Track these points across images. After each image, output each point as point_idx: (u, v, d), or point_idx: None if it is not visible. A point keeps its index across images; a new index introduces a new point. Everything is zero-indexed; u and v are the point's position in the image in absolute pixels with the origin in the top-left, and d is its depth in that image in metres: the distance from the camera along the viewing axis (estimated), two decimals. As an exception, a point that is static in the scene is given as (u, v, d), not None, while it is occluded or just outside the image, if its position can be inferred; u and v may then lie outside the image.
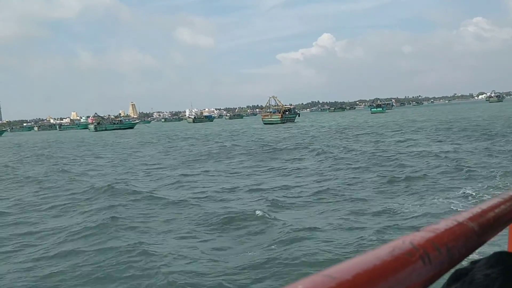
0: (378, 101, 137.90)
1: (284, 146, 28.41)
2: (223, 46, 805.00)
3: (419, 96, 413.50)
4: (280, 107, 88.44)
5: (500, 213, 0.79)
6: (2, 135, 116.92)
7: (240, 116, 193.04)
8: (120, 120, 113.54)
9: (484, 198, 9.90)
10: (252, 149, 28.00)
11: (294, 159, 21.75)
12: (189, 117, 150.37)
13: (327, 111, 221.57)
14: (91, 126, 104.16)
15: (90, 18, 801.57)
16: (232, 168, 19.39)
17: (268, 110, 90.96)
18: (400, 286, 0.51)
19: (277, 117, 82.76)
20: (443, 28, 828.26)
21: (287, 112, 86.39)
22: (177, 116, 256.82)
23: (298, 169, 17.94)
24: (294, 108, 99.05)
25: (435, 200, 10.84)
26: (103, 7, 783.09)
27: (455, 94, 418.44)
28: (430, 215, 9.35)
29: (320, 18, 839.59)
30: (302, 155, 23.06)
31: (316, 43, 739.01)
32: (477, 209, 0.74)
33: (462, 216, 0.71)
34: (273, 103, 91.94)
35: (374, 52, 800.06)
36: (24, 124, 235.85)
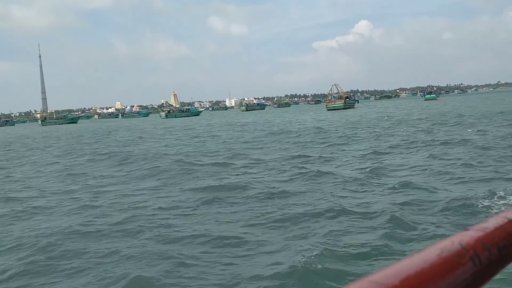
0: (429, 88, 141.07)
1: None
2: (257, 35, 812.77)
3: (461, 84, 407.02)
4: (342, 94, 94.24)
5: None
6: (78, 122, 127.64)
7: (287, 104, 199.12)
8: (188, 109, 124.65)
9: None
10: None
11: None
12: (242, 106, 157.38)
13: (371, 99, 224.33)
14: (162, 114, 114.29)
15: (124, 7, 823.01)
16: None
17: (330, 97, 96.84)
18: None
19: (340, 103, 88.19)
20: (486, 14, 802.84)
21: (347, 99, 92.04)
22: (218, 106, 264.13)
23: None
24: (353, 95, 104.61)
25: None
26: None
27: (499, 81, 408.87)
28: None
29: (357, 5, 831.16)
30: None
31: (353, 30, 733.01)
32: None
33: None
34: (335, 90, 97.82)
35: (413, 39, 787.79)
36: (76, 113, 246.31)
